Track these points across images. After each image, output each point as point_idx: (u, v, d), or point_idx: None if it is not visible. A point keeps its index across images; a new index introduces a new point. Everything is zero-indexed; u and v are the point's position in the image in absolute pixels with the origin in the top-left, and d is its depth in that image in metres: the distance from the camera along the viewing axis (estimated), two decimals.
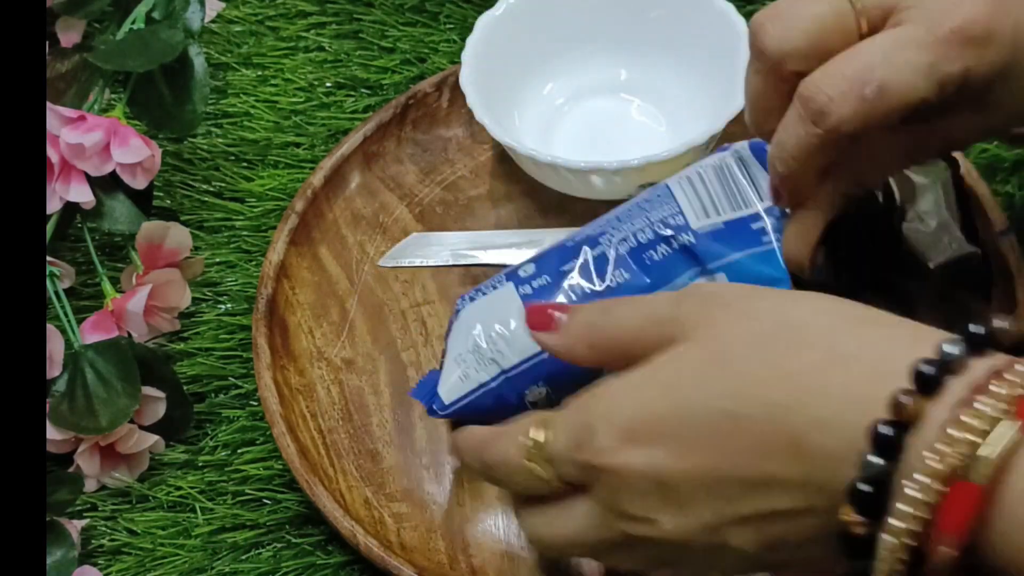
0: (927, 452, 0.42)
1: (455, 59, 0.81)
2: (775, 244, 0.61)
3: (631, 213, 0.64)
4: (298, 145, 0.80)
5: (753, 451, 0.46)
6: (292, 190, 0.78)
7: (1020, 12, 0.54)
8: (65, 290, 0.71)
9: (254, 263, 0.75)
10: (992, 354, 0.44)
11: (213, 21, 0.86)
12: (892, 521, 0.42)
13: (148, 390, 0.68)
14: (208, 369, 0.72)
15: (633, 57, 0.79)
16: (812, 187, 0.59)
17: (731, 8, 0.76)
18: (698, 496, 0.48)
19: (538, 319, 0.55)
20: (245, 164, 0.80)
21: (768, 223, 0.62)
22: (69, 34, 0.81)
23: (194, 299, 0.74)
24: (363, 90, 0.83)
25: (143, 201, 0.72)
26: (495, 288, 0.64)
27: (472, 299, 0.65)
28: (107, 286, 0.71)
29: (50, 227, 0.71)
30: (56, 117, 0.70)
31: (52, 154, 0.70)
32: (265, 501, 0.68)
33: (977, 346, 0.44)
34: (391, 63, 0.84)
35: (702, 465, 0.47)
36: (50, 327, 0.67)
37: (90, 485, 0.68)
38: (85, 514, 0.67)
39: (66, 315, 0.69)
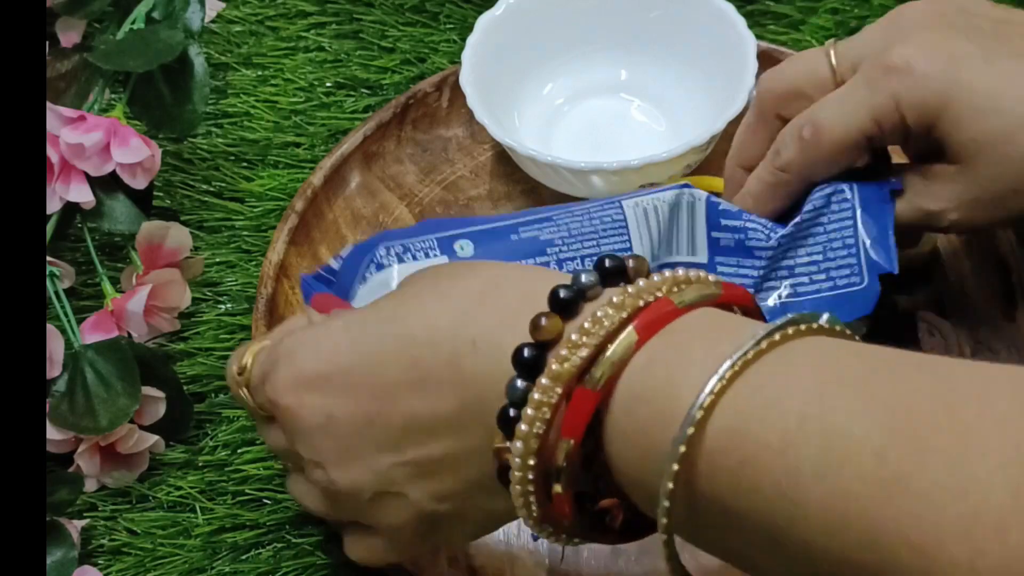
0: (552, 359, 0.45)
1: (455, 59, 0.81)
2: None
3: (583, 229, 0.64)
4: (298, 145, 0.80)
5: (413, 382, 0.49)
6: (292, 190, 0.78)
7: (953, 50, 0.58)
8: (65, 290, 0.71)
9: (254, 263, 0.75)
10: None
11: (213, 21, 0.86)
12: (520, 426, 0.45)
13: (148, 390, 0.68)
14: (208, 369, 0.72)
15: (633, 57, 0.79)
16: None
17: (731, 8, 0.76)
18: (364, 443, 0.50)
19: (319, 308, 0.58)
20: (245, 164, 0.80)
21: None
22: (69, 34, 0.81)
23: (194, 299, 0.74)
24: (363, 90, 0.83)
25: (143, 201, 0.72)
26: (428, 256, 0.63)
27: (400, 258, 0.63)
28: (107, 286, 0.71)
29: (50, 227, 0.71)
30: (56, 117, 0.70)
31: (52, 154, 0.70)
32: (265, 501, 0.68)
33: (611, 277, 0.47)
34: (391, 63, 0.84)
35: (366, 407, 0.50)
36: (50, 327, 0.67)
37: (90, 485, 0.68)
38: (85, 514, 0.67)
39: (66, 315, 0.69)
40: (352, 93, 0.83)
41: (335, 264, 0.65)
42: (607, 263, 0.47)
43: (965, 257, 0.72)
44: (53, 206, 0.70)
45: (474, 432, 0.48)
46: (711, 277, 0.47)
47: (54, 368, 0.67)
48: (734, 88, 0.73)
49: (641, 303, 0.45)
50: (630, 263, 0.48)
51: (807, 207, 0.63)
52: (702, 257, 0.64)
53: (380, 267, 0.62)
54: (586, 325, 0.45)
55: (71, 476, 0.67)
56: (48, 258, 0.71)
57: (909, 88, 0.59)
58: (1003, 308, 0.69)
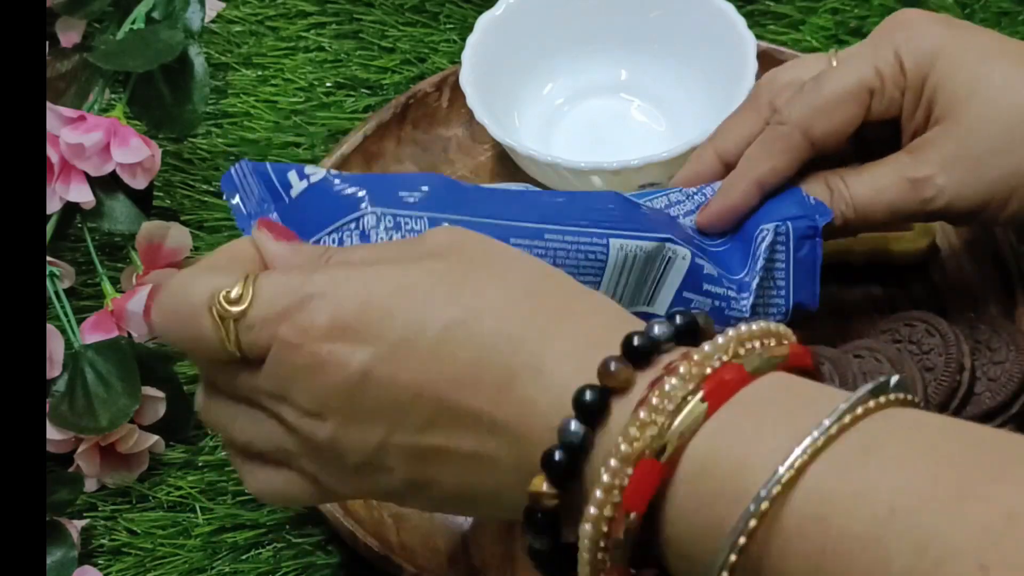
0: (622, 439, 0.43)
1: (455, 59, 0.81)
2: None
3: (567, 260, 0.60)
4: (298, 145, 0.80)
5: (464, 378, 0.46)
6: None
7: (951, 20, 0.63)
8: (65, 290, 0.71)
9: None
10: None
11: (213, 21, 0.86)
12: (590, 509, 0.43)
13: (148, 390, 0.68)
14: None
15: (633, 57, 0.79)
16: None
17: (731, 8, 0.76)
18: (383, 411, 0.47)
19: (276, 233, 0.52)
20: None
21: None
22: (69, 34, 0.81)
23: None
24: (363, 90, 0.83)
25: (143, 201, 0.72)
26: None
27: (390, 233, 0.56)
28: (107, 286, 0.71)
29: (50, 227, 0.71)
30: (56, 117, 0.70)
31: (52, 154, 0.70)
32: None
33: (683, 334, 0.46)
34: (391, 63, 0.84)
35: (409, 381, 0.46)
36: (50, 327, 0.67)
37: (90, 485, 0.68)
38: (85, 514, 0.67)
39: (66, 315, 0.69)
40: (352, 93, 0.83)
41: (286, 190, 0.57)
42: (678, 319, 0.46)
43: (964, 256, 0.72)
44: (53, 206, 0.70)
45: (509, 451, 0.46)
46: (772, 326, 0.46)
47: (54, 368, 0.67)
48: (734, 88, 0.73)
49: (709, 370, 0.43)
50: (700, 321, 0.46)
51: (757, 264, 0.62)
52: (660, 311, 0.62)
53: (366, 237, 0.56)
54: (654, 401, 0.43)
55: (71, 476, 0.67)
56: (48, 258, 0.71)
57: (909, 38, 0.61)
58: (1003, 307, 0.69)
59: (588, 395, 0.44)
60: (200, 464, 0.69)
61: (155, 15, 0.77)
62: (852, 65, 0.62)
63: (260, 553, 0.66)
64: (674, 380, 0.43)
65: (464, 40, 0.77)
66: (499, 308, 0.47)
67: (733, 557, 0.41)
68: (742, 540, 0.40)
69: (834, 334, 0.67)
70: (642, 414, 0.43)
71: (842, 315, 0.70)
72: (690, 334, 0.46)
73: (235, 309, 0.47)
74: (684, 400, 0.43)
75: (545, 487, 0.44)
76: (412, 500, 0.50)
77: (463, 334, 0.46)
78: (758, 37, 0.76)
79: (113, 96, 0.76)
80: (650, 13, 0.78)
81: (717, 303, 0.62)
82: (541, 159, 0.72)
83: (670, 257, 0.61)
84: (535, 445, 0.45)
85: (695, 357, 0.44)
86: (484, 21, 0.77)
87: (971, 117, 0.60)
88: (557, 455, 0.44)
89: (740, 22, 0.75)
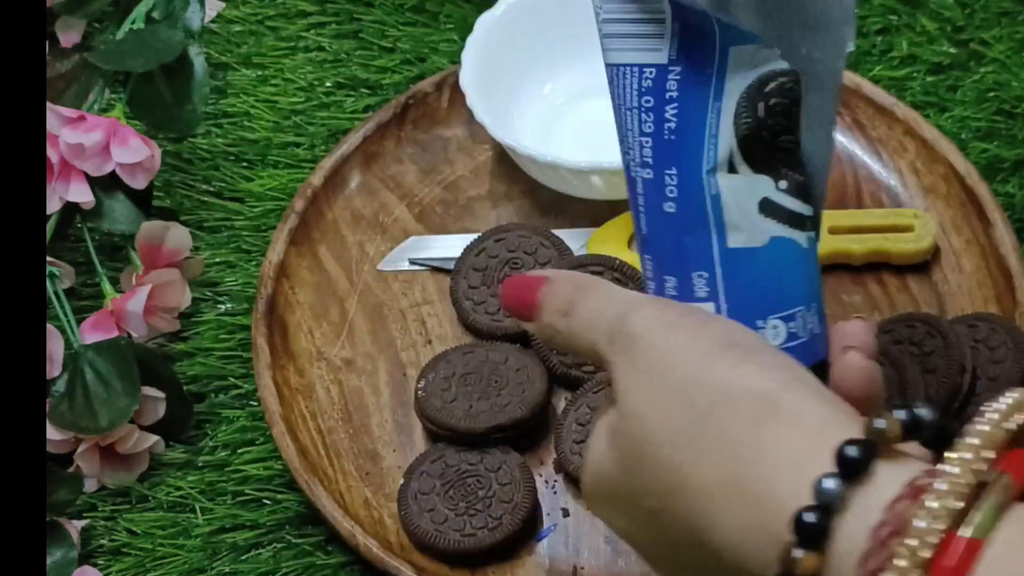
0: None
1: (455, 59, 0.81)
2: None
3: None
4: (298, 145, 0.80)
5: (679, 546, 0.46)
6: (292, 190, 0.78)
7: None
8: (65, 290, 0.71)
9: (254, 263, 0.75)
10: (898, 462, 0.41)
11: (213, 21, 0.86)
12: None
13: (148, 390, 0.68)
14: (208, 369, 0.72)
15: None
16: None
17: None
18: (644, 543, 0.49)
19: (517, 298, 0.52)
20: (245, 164, 0.80)
21: None
22: (69, 34, 0.81)
23: (194, 299, 0.74)
24: (363, 90, 0.83)
25: (143, 201, 0.72)
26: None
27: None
28: (107, 286, 0.71)
29: (50, 227, 0.71)
30: (56, 117, 0.70)
31: (52, 154, 0.70)
32: (265, 501, 0.68)
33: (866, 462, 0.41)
34: (391, 63, 0.83)
35: (644, 537, 0.48)
36: (50, 327, 0.67)
37: (90, 485, 0.68)
38: (85, 514, 0.67)
39: (66, 315, 0.69)
40: (352, 93, 0.83)
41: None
42: (903, 415, 0.42)
43: (964, 256, 0.72)
44: (53, 206, 0.70)
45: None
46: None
47: (54, 368, 0.67)
48: None
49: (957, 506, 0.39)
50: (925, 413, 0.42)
51: None
52: None
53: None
54: (910, 542, 0.38)
55: (71, 476, 0.67)
56: (48, 258, 0.71)
57: None
58: (1003, 307, 0.69)
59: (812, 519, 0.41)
60: (200, 464, 0.69)
61: (155, 15, 0.77)
62: None
63: (260, 553, 0.66)
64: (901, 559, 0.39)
65: (464, 40, 0.77)
66: (687, 487, 0.45)
67: None
68: None
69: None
70: (898, 562, 0.39)
71: (843, 316, 0.70)
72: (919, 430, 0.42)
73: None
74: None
75: None
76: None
77: (660, 523, 0.46)
78: None
79: (113, 96, 0.76)
80: None
81: None
82: (541, 159, 0.72)
83: None
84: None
85: (942, 487, 0.39)
86: (484, 21, 0.77)
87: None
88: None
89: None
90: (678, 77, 0.50)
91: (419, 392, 0.67)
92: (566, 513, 0.65)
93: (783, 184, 0.51)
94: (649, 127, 0.51)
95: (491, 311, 0.70)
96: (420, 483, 0.65)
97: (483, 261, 0.71)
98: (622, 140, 0.52)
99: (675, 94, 0.50)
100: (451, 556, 0.63)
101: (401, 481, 0.65)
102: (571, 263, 0.70)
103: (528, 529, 0.64)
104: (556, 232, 0.73)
